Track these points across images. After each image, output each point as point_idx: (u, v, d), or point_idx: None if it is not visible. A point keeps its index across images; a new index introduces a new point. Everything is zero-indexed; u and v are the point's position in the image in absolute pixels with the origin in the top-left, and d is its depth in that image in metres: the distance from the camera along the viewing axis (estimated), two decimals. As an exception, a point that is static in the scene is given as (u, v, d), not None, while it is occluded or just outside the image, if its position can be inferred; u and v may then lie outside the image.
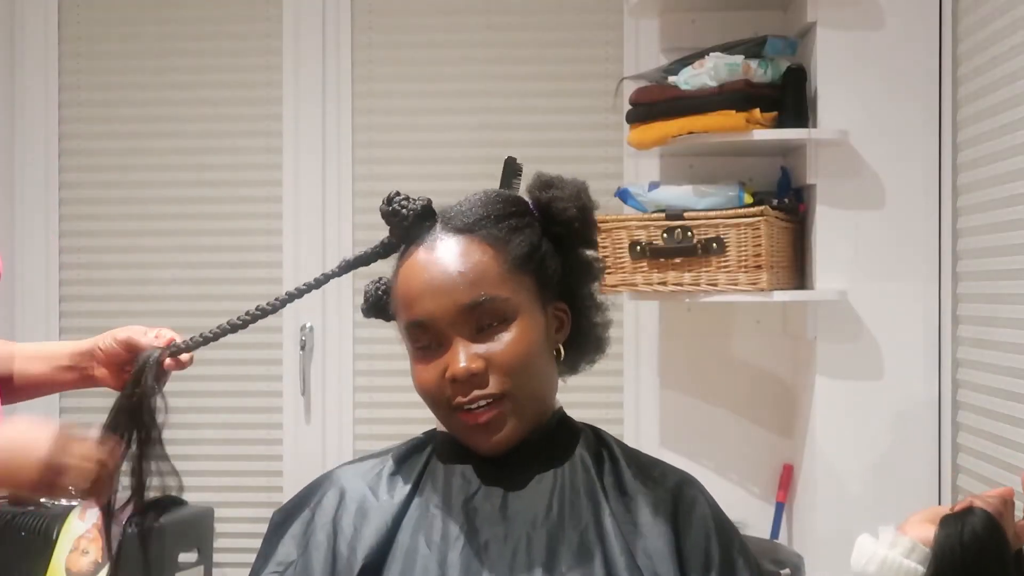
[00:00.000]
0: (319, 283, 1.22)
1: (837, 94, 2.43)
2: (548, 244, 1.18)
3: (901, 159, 2.42)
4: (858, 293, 2.43)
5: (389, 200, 1.17)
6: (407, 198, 1.16)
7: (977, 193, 2.24)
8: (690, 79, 2.44)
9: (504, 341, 1.11)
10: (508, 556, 1.07)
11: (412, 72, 3.04)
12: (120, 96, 3.12)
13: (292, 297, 1.23)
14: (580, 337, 1.22)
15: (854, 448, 2.43)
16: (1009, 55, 2.08)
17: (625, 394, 2.96)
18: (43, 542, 2.54)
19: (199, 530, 2.82)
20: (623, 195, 2.54)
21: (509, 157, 1.30)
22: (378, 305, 1.22)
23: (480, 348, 1.10)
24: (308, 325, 3.02)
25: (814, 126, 2.45)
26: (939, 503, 2.39)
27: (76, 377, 1.37)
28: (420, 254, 1.13)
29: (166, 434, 1.23)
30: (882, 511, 2.41)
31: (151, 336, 1.28)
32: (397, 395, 3.00)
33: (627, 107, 2.61)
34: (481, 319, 1.11)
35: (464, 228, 1.14)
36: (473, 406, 1.10)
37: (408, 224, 1.15)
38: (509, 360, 1.11)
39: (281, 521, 1.16)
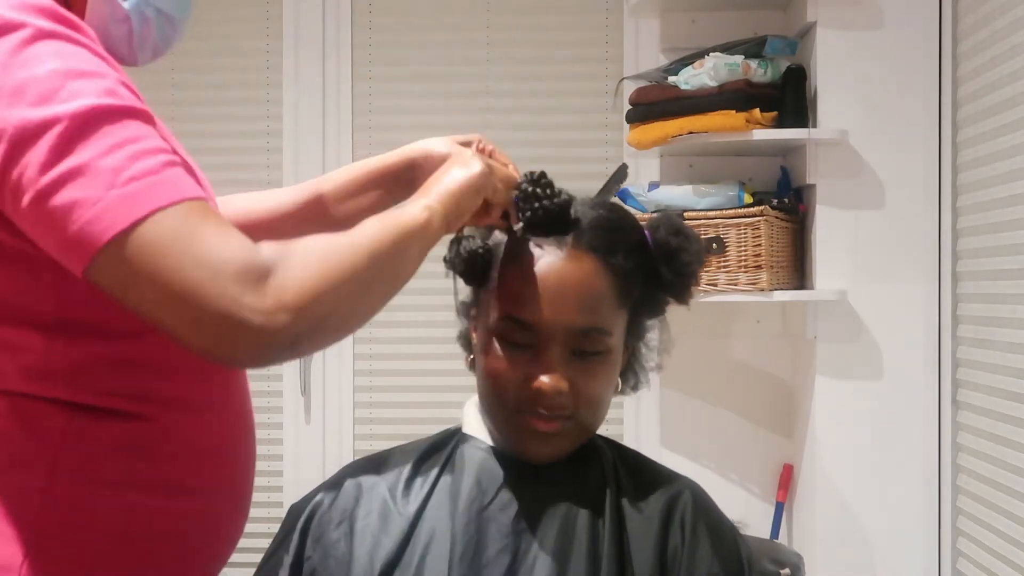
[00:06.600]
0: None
1: (837, 94, 2.44)
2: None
3: (901, 159, 2.42)
4: (858, 293, 2.43)
5: (536, 180, 1.11)
6: (551, 184, 1.11)
7: (977, 193, 2.24)
8: (690, 79, 2.44)
9: (592, 374, 1.11)
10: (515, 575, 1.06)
11: (412, 72, 3.04)
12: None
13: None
14: (631, 373, 1.22)
15: (854, 448, 2.43)
16: (1009, 55, 2.08)
17: (625, 394, 2.96)
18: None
19: (199, 530, 2.81)
20: (623, 195, 2.53)
21: (623, 164, 1.30)
22: (476, 268, 1.14)
23: (571, 371, 1.09)
24: (308, 325, 3.02)
25: (814, 126, 2.45)
26: (939, 503, 2.39)
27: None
28: (547, 255, 1.09)
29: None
30: (882, 511, 2.42)
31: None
32: (397, 395, 3.01)
33: (627, 107, 2.61)
34: (583, 344, 1.10)
35: (596, 249, 1.10)
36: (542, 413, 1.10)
37: (543, 214, 1.09)
38: (590, 394, 1.11)
39: (297, 514, 1.16)
